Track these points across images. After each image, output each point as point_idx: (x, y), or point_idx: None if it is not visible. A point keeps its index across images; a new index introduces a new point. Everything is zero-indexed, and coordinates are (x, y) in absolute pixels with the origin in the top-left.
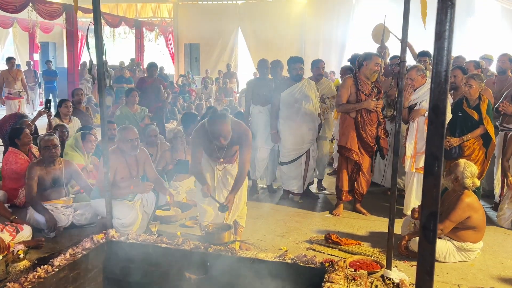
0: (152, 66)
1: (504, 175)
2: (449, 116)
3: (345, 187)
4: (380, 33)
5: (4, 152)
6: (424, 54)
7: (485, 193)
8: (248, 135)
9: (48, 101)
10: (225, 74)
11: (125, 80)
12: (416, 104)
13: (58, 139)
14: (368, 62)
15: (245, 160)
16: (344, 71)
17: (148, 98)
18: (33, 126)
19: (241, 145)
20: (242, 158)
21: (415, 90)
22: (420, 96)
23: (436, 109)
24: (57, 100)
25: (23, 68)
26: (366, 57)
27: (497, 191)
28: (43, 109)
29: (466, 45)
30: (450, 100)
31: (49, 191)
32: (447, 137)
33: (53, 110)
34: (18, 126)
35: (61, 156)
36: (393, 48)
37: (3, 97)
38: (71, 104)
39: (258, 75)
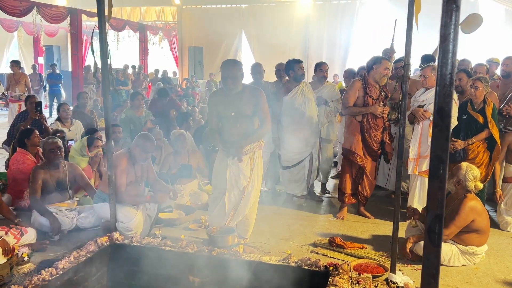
0: (162, 93)
1: (496, 179)
2: (454, 122)
3: (348, 190)
4: (474, 23)
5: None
6: (427, 59)
7: (489, 197)
8: (262, 93)
9: (38, 104)
10: None
11: (120, 82)
12: (424, 105)
13: (61, 141)
14: (378, 66)
15: (264, 117)
16: (348, 74)
17: (158, 121)
18: None
19: (256, 102)
20: (260, 114)
21: (426, 90)
22: (429, 98)
23: (441, 112)
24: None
25: (28, 71)
26: (376, 60)
27: None
28: (34, 113)
29: (470, 48)
30: (456, 104)
31: (53, 194)
32: (452, 139)
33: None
34: (28, 128)
35: (65, 159)
36: (397, 50)
37: (8, 100)
38: (69, 107)
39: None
